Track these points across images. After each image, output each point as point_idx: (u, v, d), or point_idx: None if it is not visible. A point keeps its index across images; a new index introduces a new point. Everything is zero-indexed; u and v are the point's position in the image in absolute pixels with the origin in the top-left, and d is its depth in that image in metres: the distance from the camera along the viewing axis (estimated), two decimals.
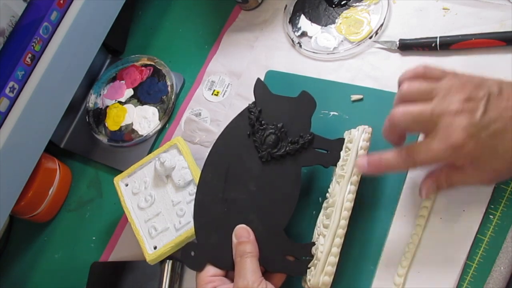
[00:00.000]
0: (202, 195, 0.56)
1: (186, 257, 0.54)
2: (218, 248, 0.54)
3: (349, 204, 0.52)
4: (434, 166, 0.51)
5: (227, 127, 0.58)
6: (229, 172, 0.56)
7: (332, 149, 0.56)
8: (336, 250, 0.51)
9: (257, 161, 0.56)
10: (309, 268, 0.52)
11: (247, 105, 0.58)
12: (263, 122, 0.56)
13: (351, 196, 0.52)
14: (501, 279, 0.49)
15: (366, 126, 0.55)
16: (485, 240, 0.51)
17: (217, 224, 0.55)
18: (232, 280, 0.52)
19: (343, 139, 0.56)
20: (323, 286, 0.50)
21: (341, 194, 0.52)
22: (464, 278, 0.51)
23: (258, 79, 0.58)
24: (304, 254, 0.53)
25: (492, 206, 0.52)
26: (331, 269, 0.50)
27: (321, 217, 0.55)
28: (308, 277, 0.51)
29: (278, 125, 0.56)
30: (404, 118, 0.48)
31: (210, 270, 0.53)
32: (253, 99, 0.58)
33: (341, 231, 0.51)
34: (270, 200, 0.55)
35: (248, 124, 0.57)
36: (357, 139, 0.54)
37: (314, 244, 0.53)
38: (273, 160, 0.56)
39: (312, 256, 0.52)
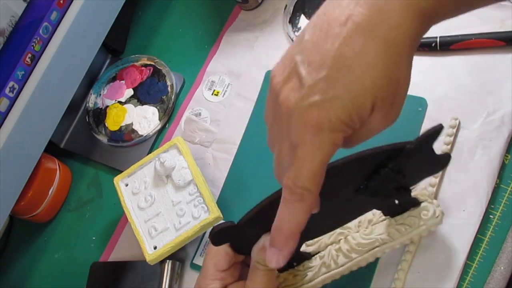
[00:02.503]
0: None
1: (217, 227, 0.46)
2: (249, 239, 0.47)
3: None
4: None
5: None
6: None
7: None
8: None
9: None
10: None
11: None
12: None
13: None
14: (501, 279, 0.49)
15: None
16: (485, 240, 0.51)
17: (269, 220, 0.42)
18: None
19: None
20: None
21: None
22: (464, 278, 0.51)
23: None
24: None
25: (492, 206, 0.52)
26: None
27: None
28: None
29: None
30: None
31: (221, 264, 0.47)
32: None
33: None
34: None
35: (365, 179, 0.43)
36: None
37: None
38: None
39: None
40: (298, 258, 0.52)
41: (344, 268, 0.50)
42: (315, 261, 0.52)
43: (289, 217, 0.37)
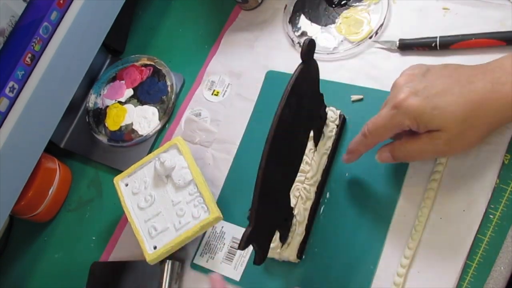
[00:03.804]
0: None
1: (243, 239, 0.49)
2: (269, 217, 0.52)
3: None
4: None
5: None
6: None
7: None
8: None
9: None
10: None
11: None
12: None
13: None
14: (501, 279, 0.49)
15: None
16: (485, 240, 0.51)
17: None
18: None
19: None
20: None
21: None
22: (464, 278, 0.51)
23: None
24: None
25: (492, 206, 0.52)
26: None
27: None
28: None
29: None
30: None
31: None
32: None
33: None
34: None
35: None
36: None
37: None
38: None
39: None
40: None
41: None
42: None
43: (354, 141, 0.54)
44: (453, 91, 0.47)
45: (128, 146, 0.74)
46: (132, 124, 0.75)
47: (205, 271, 0.62)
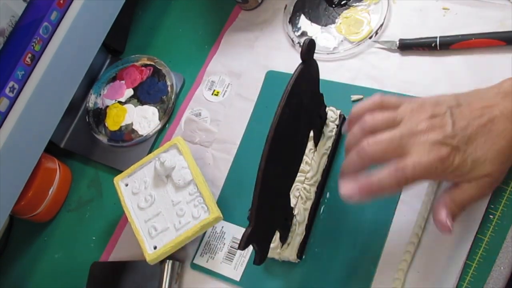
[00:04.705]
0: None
1: (243, 239, 0.48)
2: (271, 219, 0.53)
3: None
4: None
5: None
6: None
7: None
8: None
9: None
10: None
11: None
12: None
13: None
14: (501, 279, 0.49)
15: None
16: (485, 240, 0.51)
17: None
18: None
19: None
20: None
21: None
22: (464, 278, 0.51)
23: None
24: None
25: (492, 206, 0.52)
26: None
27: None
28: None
29: None
30: (375, 148, 0.47)
31: None
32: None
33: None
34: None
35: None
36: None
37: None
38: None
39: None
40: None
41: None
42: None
43: (385, 181, 0.46)
44: (484, 137, 0.47)
45: (128, 146, 0.74)
46: (132, 124, 0.75)
47: (205, 271, 0.62)
